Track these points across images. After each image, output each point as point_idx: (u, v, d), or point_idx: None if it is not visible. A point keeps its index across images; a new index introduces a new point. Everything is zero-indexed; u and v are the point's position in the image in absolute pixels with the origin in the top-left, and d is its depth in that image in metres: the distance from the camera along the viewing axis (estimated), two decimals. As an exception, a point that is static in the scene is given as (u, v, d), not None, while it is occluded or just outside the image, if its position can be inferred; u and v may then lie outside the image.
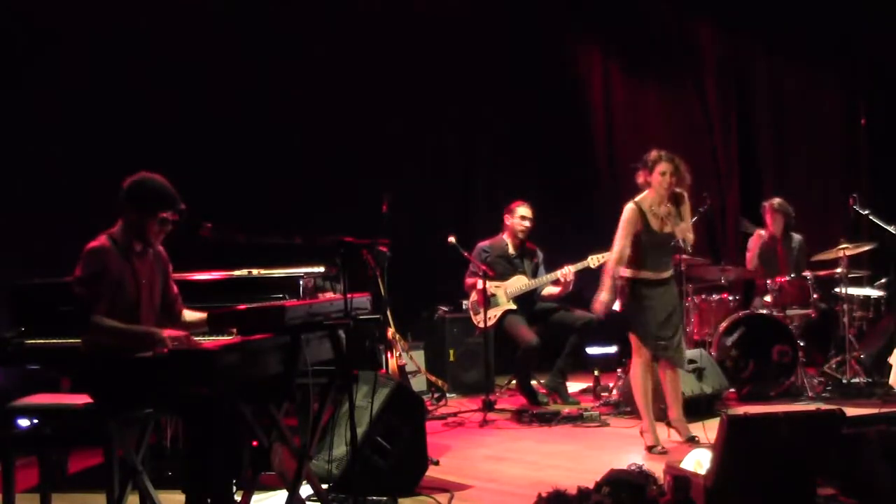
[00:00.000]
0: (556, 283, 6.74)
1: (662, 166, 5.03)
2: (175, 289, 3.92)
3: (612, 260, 5.13)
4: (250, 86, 7.20)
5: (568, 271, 6.57)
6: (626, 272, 5.11)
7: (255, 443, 3.64)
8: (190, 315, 3.89)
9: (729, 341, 6.65)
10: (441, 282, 7.66)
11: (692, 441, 5.07)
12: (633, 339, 5.16)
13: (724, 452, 3.57)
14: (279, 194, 7.09)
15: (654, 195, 5.10)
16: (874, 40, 8.28)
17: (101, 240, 3.61)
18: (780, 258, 7.29)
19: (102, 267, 3.54)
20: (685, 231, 5.15)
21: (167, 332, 3.50)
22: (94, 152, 6.20)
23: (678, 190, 5.15)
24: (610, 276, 5.11)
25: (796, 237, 7.38)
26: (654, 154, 5.10)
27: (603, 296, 5.13)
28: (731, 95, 9.15)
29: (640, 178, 5.15)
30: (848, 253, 6.76)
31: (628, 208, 5.09)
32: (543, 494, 3.84)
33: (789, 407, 6.05)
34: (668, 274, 5.18)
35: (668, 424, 5.29)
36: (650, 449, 5.04)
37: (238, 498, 3.58)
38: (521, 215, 6.86)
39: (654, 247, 5.09)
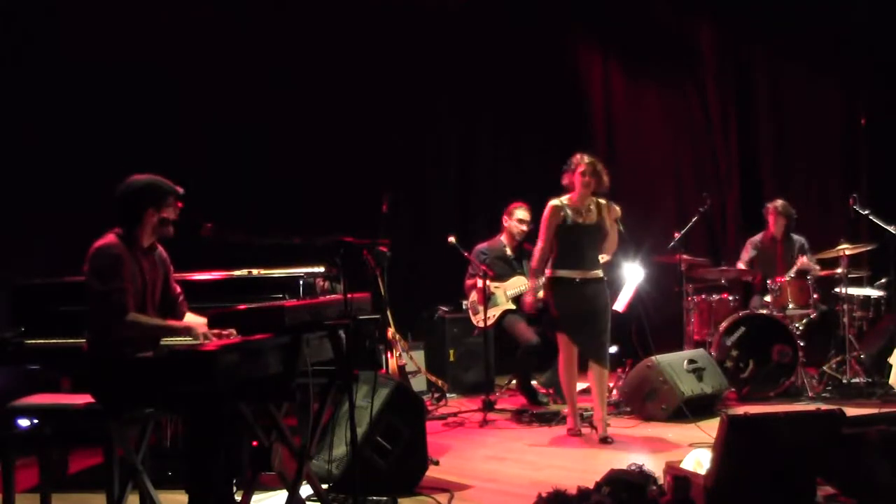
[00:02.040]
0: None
1: (581, 167, 5.41)
2: (178, 289, 3.95)
3: (535, 258, 5.55)
4: (250, 86, 7.20)
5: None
6: (558, 273, 5.41)
7: (255, 443, 3.64)
8: (191, 318, 3.90)
9: (729, 341, 6.65)
10: (441, 282, 7.66)
11: (605, 442, 5.35)
12: (560, 336, 5.46)
13: (724, 452, 3.57)
14: (279, 194, 7.09)
15: (577, 195, 5.43)
16: (874, 40, 8.27)
17: (109, 237, 3.65)
18: (779, 260, 7.29)
19: (118, 261, 3.57)
20: (612, 242, 5.53)
21: (203, 329, 3.55)
22: (94, 152, 6.21)
23: (602, 200, 5.48)
24: (533, 275, 5.69)
25: (797, 238, 7.38)
26: (576, 157, 5.48)
27: (528, 297, 5.89)
28: (731, 95, 9.14)
29: (566, 180, 5.48)
30: (848, 253, 6.76)
31: (550, 206, 5.43)
32: (543, 494, 3.84)
33: (789, 407, 6.05)
34: (594, 273, 5.43)
35: (591, 424, 5.55)
36: (569, 431, 5.56)
37: (238, 498, 3.58)
38: (518, 218, 6.87)
39: (575, 241, 5.38)
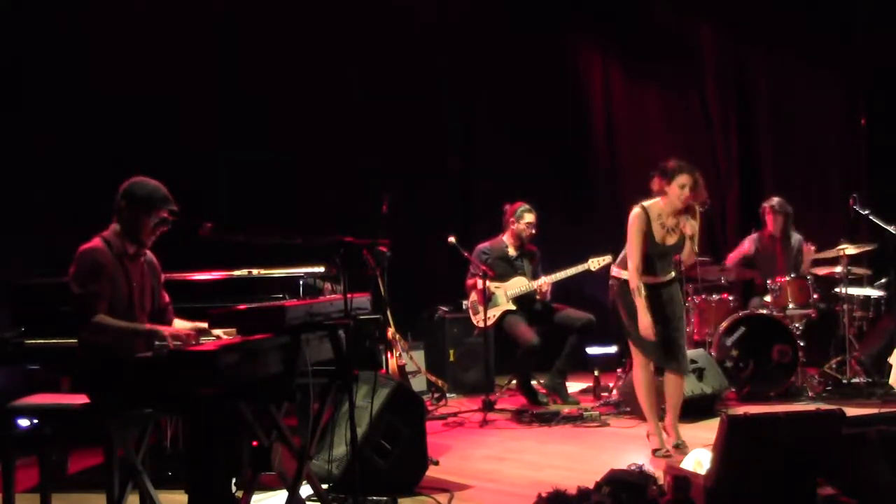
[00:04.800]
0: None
1: (683, 178, 4.86)
2: (166, 297, 3.96)
3: (633, 275, 4.89)
4: (250, 86, 7.20)
5: (543, 282, 6.68)
6: (623, 274, 5.03)
7: (255, 443, 3.64)
8: (179, 324, 3.90)
9: (729, 341, 6.65)
10: (441, 282, 7.66)
11: (679, 448, 4.99)
12: (630, 341, 5.10)
13: (724, 452, 3.57)
14: (279, 194, 7.09)
15: (665, 205, 4.95)
16: (874, 40, 8.28)
17: (95, 241, 3.67)
18: (779, 258, 7.29)
19: (99, 266, 3.58)
20: (688, 253, 5.05)
21: (169, 331, 3.54)
22: (94, 152, 6.21)
23: (693, 204, 4.96)
24: (640, 294, 4.88)
25: (796, 237, 7.38)
26: (674, 164, 4.91)
27: (644, 319, 4.87)
28: (731, 95, 9.15)
29: (656, 186, 4.96)
30: (848, 253, 6.76)
31: (635, 213, 4.93)
32: (543, 494, 3.84)
33: (789, 407, 6.05)
34: (668, 277, 5.08)
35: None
36: (655, 452, 5.00)
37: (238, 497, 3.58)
38: (527, 222, 6.86)
39: (653, 254, 4.99)
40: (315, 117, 7.52)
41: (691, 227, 4.98)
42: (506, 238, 7.00)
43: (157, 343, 3.64)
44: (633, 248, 4.93)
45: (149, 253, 3.84)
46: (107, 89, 6.35)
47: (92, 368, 3.56)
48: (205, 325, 3.59)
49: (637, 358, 5.08)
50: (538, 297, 6.79)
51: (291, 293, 4.59)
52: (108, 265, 3.61)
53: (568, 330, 6.70)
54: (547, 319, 6.81)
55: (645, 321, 4.89)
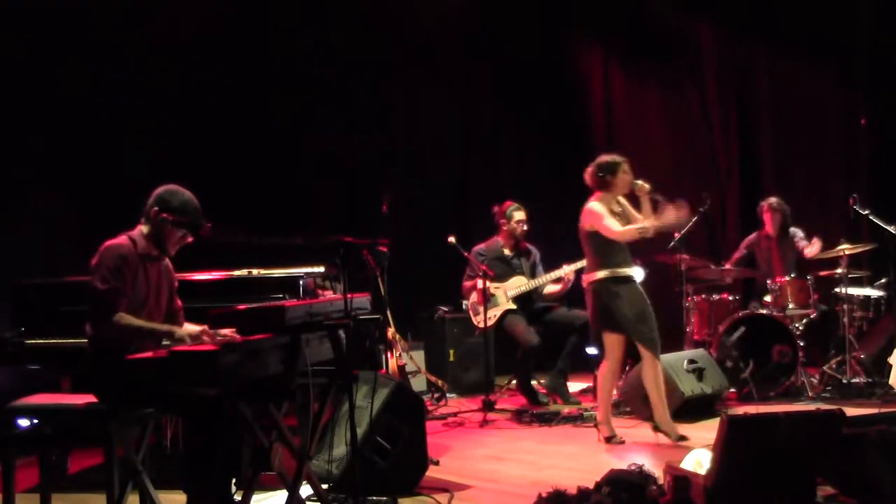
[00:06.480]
0: (556, 280, 6.76)
1: (625, 166, 5.22)
2: (178, 302, 3.99)
3: (632, 230, 5.09)
4: (251, 86, 7.20)
5: (569, 270, 6.62)
6: (601, 273, 5.18)
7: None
8: (189, 328, 3.91)
9: (729, 341, 6.65)
10: (441, 282, 7.66)
11: (682, 440, 5.10)
12: (608, 338, 5.22)
13: (724, 452, 3.57)
14: (279, 194, 7.09)
15: (611, 196, 5.25)
16: (874, 40, 8.27)
17: (122, 239, 3.71)
18: (776, 258, 7.29)
19: (124, 263, 3.63)
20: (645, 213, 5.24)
21: (187, 331, 3.60)
22: (94, 153, 6.21)
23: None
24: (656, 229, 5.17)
25: (793, 231, 7.36)
26: (607, 158, 5.25)
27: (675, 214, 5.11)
28: (731, 95, 9.14)
29: (595, 182, 5.23)
30: (848, 253, 6.76)
31: (594, 205, 5.19)
32: (543, 494, 3.84)
33: (789, 407, 6.04)
34: (632, 270, 5.32)
35: (655, 429, 5.28)
36: (608, 440, 5.28)
37: (238, 498, 3.57)
38: (518, 219, 6.87)
39: (617, 243, 5.20)
40: (315, 117, 7.53)
41: (623, 205, 5.30)
42: (500, 239, 7.00)
43: (164, 343, 3.66)
44: (609, 223, 5.12)
45: (166, 259, 3.87)
46: (106, 89, 6.35)
47: (95, 368, 3.57)
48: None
49: (648, 352, 5.17)
50: (562, 285, 6.76)
51: (291, 293, 4.59)
52: (133, 263, 3.66)
53: (568, 329, 6.70)
54: (547, 319, 6.81)
55: (676, 214, 5.11)
